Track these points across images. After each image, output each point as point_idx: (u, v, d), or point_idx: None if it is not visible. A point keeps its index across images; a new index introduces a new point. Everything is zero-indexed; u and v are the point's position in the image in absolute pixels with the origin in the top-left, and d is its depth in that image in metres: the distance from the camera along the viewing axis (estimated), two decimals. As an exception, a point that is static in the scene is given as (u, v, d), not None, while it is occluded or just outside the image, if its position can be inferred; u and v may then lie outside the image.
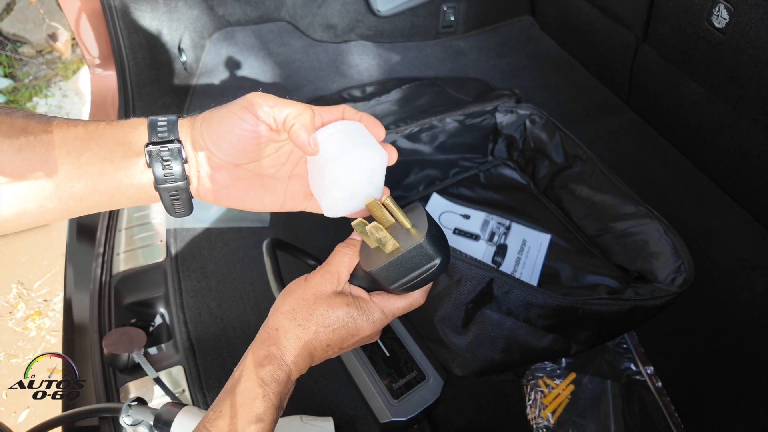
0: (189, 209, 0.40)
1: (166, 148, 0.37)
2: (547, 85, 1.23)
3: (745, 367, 0.73)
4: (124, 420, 0.51)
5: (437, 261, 0.37)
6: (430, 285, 0.41)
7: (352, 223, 0.38)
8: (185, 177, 0.38)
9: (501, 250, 0.86)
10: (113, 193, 0.38)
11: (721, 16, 0.85)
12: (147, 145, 0.37)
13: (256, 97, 0.37)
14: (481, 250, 0.86)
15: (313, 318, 0.39)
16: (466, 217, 0.91)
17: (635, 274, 0.78)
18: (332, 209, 0.41)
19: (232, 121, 0.37)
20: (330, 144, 0.38)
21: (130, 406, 0.51)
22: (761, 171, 0.88)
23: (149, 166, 0.37)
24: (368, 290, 0.41)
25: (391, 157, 0.41)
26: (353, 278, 0.41)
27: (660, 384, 0.69)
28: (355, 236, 0.43)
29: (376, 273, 0.38)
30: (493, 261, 0.85)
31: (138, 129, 0.38)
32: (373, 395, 0.65)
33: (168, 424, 0.47)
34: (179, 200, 0.39)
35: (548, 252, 0.85)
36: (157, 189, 0.38)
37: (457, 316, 0.63)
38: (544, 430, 0.66)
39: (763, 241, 0.88)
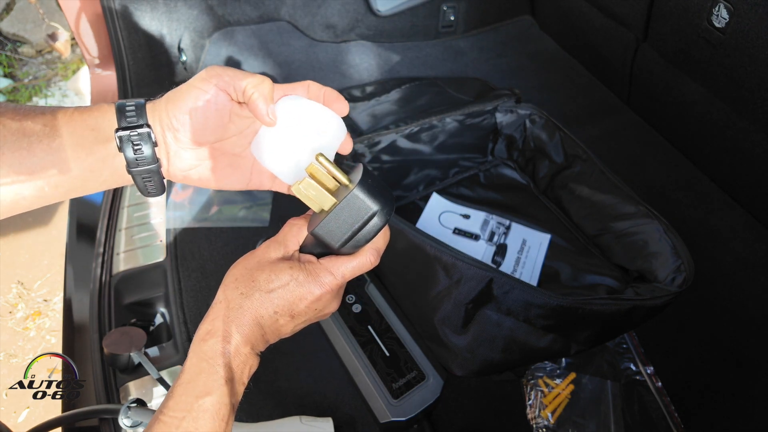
0: (161, 189, 0.41)
1: (136, 133, 0.37)
2: (547, 84, 1.23)
3: (745, 366, 0.73)
4: (124, 422, 0.50)
5: (375, 209, 0.36)
6: (381, 244, 0.41)
7: (291, 187, 0.38)
8: (156, 159, 0.39)
9: (501, 250, 0.86)
10: (87, 177, 0.39)
11: (721, 16, 0.85)
12: (117, 130, 0.37)
13: (216, 68, 0.38)
14: (481, 250, 0.86)
15: (256, 284, 0.38)
16: (466, 216, 0.91)
17: (635, 274, 0.78)
18: (287, 176, 0.41)
19: (195, 94, 0.38)
20: (284, 113, 0.39)
21: (129, 407, 0.51)
22: (761, 171, 0.88)
23: (120, 150, 0.38)
24: (319, 257, 0.40)
25: (342, 116, 0.42)
26: (303, 248, 0.41)
27: (660, 384, 0.69)
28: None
29: (318, 232, 0.37)
30: (493, 261, 0.85)
31: (107, 115, 0.38)
32: (373, 395, 0.65)
33: None
34: (152, 182, 0.40)
35: (548, 252, 0.85)
36: (129, 172, 0.39)
37: (457, 316, 0.63)
38: (544, 430, 0.66)
39: (763, 241, 0.88)
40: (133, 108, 0.38)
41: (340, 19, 1.30)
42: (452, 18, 1.36)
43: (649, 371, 0.70)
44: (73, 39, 2.03)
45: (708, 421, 0.68)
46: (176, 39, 1.14)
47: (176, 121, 0.38)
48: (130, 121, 0.38)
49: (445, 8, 1.34)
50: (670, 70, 1.02)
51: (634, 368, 0.71)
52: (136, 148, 0.38)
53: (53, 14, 2.16)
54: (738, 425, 0.68)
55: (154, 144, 0.38)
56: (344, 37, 1.32)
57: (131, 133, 0.37)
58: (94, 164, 0.38)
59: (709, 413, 0.69)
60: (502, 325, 0.62)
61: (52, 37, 1.86)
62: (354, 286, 0.74)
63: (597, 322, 0.63)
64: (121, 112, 0.38)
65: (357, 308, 0.72)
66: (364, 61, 1.26)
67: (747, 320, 0.78)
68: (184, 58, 1.16)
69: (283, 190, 0.44)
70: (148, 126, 0.38)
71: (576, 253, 0.85)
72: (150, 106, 0.39)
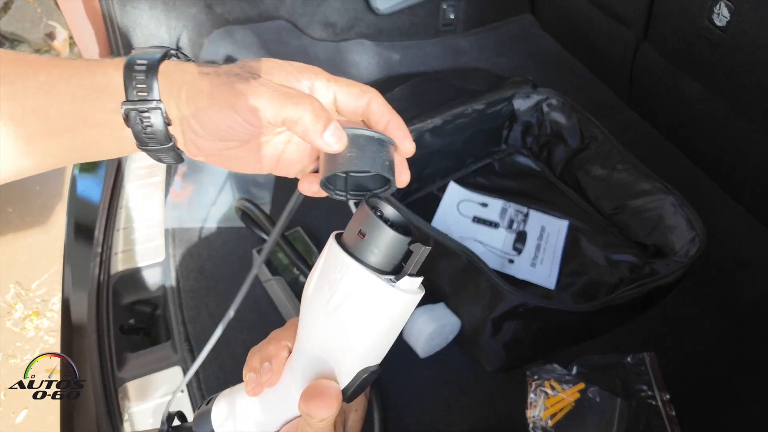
0: (179, 160, 0.35)
1: (146, 109, 0.31)
2: (547, 83, 1.22)
3: (744, 366, 0.73)
4: None
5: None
6: None
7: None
8: (169, 139, 0.33)
9: (521, 237, 0.87)
10: (90, 150, 0.34)
11: (721, 15, 0.85)
12: (124, 102, 0.31)
13: (243, 99, 0.30)
14: (501, 238, 0.87)
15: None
16: (484, 205, 0.91)
17: (653, 249, 0.80)
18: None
19: (219, 117, 0.31)
20: None
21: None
22: (760, 170, 0.88)
23: (128, 125, 0.32)
24: None
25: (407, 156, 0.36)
26: None
27: (674, 413, 0.67)
28: None
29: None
30: (514, 248, 0.86)
31: (113, 79, 0.32)
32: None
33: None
34: (167, 156, 0.35)
35: (567, 236, 0.87)
36: (139, 149, 0.34)
37: (486, 326, 0.65)
38: (541, 430, 0.66)
39: (763, 240, 0.88)
40: (143, 72, 0.31)
41: (339, 18, 1.30)
42: (452, 16, 1.35)
43: (665, 398, 0.68)
44: (71, 38, 2.02)
45: (706, 420, 0.68)
46: (175, 37, 1.13)
47: (196, 125, 0.32)
48: (140, 92, 0.31)
49: (445, 7, 1.33)
50: (670, 69, 1.02)
51: (648, 392, 0.69)
52: (145, 126, 0.32)
53: (51, 13, 2.15)
54: (736, 424, 0.68)
55: (167, 123, 0.32)
56: (344, 35, 1.32)
57: (140, 108, 0.31)
58: (97, 137, 0.33)
59: (706, 412, 0.68)
60: (530, 328, 0.64)
61: (50, 36, 1.85)
62: None
63: (619, 313, 0.67)
64: (129, 77, 0.31)
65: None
66: (364, 59, 1.26)
67: (746, 319, 0.78)
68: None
69: (314, 180, 0.37)
70: (159, 100, 0.31)
71: (595, 234, 0.87)
72: (166, 78, 0.32)
